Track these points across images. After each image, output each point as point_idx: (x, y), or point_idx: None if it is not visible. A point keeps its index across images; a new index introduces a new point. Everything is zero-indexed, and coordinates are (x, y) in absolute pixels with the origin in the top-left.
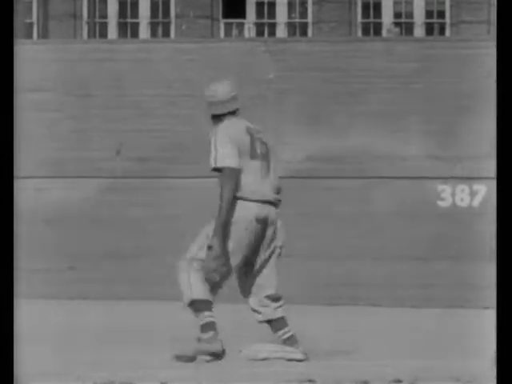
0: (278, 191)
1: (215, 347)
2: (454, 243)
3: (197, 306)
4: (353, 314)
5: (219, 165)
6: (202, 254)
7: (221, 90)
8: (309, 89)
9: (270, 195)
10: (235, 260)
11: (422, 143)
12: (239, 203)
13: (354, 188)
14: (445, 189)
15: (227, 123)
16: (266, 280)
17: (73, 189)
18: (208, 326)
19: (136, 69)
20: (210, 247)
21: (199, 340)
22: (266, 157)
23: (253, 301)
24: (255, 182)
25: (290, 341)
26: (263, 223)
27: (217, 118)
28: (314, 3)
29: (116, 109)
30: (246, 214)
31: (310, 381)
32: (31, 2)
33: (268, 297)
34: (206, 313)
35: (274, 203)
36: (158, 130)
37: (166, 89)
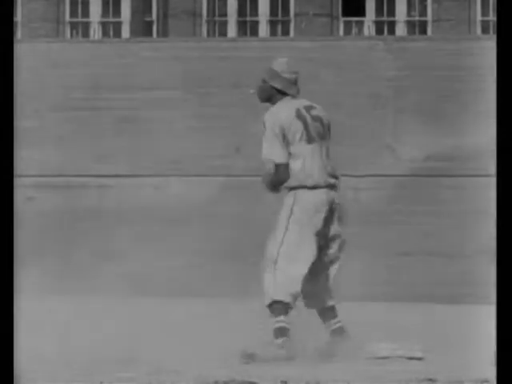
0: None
1: (286, 353)
2: None
3: (275, 307)
4: (474, 312)
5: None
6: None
7: (289, 66)
8: (428, 87)
9: (328, 179)
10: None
11: None
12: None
13: (475, 186)
14: None
15: (278, 107)
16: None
17: (193, 187)
18: (280, 332)
19: (255, 67)
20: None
21: (271, 344)
22: (323, 136)
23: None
24: (312, 167)
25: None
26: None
27: (269, 96)
28: (433, 1)
29: (234, 107)
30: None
31: (429, 380)
32: (151, 0)
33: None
34: (282, 317)
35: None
36: None
37: None
